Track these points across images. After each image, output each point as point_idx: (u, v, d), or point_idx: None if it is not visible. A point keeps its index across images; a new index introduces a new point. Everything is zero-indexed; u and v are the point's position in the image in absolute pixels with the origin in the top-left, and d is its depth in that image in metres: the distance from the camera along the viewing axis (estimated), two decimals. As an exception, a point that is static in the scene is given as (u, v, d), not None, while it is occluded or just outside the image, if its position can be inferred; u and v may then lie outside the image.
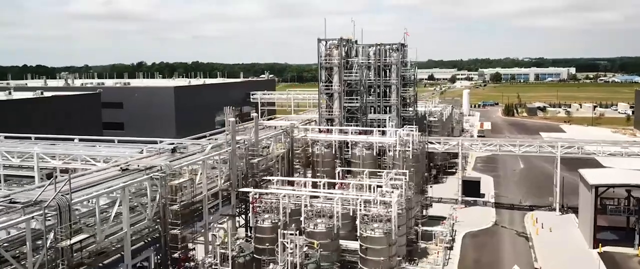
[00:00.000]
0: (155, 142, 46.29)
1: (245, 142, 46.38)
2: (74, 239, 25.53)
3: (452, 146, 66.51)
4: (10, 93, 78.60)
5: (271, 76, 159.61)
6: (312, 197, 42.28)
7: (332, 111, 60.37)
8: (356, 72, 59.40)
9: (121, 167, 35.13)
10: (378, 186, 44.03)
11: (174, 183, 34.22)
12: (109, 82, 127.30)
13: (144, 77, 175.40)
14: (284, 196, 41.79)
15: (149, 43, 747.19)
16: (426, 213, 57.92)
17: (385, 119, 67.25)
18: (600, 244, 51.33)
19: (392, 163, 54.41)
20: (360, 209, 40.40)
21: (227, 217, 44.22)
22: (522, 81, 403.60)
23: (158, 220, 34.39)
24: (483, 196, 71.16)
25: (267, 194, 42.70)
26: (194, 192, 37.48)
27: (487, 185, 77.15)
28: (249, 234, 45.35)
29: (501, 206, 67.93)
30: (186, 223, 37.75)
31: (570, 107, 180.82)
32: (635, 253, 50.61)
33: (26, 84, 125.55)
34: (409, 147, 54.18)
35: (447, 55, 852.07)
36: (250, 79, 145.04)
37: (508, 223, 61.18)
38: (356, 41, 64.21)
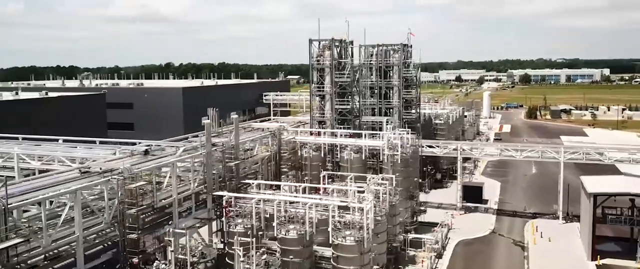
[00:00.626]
0: (134, 144, 45.86)
1: (223, 145, 45.42)
2: (3, 245, 24.99)
3: (451, 150, 64.22)
4: (16, 93, 79.92)
5: (297, 77, 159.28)
6: (288, 202, 41.02)
7: (324, 113, 59.04)
8: (348, 74, 57.87)
9: (80, 170, 34.66)
10: (358, 192, 42.51)
11: (131, 187, 33.46)
12: (123, 83, 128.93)
13: (172, 78, 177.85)
14: (258, 200, 40.73)
15: (180, 44, 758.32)
16: (417, 219, 56.01)
17: (383, 122, 65.46)
18: (598, 256, 48.52)
19: (380, 167, 52.75)
20: (332, 216, 38.95)
21: (201, 221, 43.43)
22: (552, 82, 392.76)
23: (116, 224, 33.75)
24: (486, 202, 68.65)
25: (240, 198, 41.69)
26: (157, 196, 36.68)
27: (493, 190, 74.51)
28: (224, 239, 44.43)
29: (503, 212, 65.31)
30: (152, 227, 37.22)
31: (597, 109, 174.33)
32: (636, 266, 47.62)
33: (44, 84, 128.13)
34: (397, 151, 52.43)
35: (477, 56, 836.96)
36: (263, 80, 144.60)
37: (507, 231, 58.65)
38: (352, 42, 62.78)
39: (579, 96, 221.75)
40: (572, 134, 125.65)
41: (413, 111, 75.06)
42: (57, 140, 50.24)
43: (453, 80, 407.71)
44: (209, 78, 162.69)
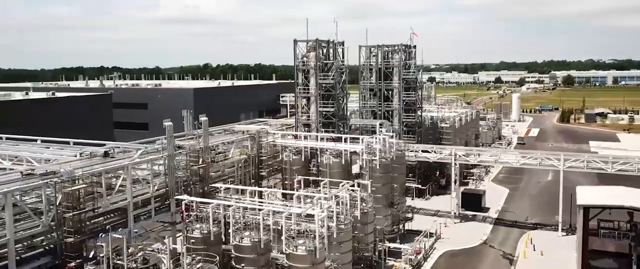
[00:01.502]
0: (103, 145, 45.65)
1: (188, 148, 44.62)
2: None
3: (446, 155, 61.32)
4: (27, 94, 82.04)
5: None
6: (246, 208, 39.73)
7: (309, 116, 57.47)
8: (333, 76, 56.07)
9: (22, 172, 34.48)
10: (325, 199, 40.79)
11: (67, 190, 32.94)
12: (143, 84, 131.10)
13: (207, 79, 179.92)
14: (216, 206, 39.64)
15: (223, 46, 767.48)
16: (401, 228, 53.64)
17: (376, 125, 63.22)
18: (589, 273, 44.96)
19: (360, 173, 50.77)
20: (287, 224, 37.37)
21: (164, 225, 42.74)
22: (598, 84, 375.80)
23: (54, 227, 33.37)
24: (486, 210, 65.34)
25: (199, 203, 40.70)
26: (108, 199, 36.13)
27: (498, 198, 70.88)
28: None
29: (502, 222, 61.82)
30: (102, 230, 36.64)
31: (638, 113, 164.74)
32: (630, 285, 43.82)
33: (69, 85, 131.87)
34: (376, 156, 50.30)
35: (521, 57, 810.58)
36: (281, 81, 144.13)
37: (499, 242, 55.36)
38: (343, 42, 60.83)
39: (621, 99, 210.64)
40: (603, 140, 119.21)
41: (414, 114, 72.40)
42: (35, 140, 50.75)
43: (492, 81, 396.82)
44: (245, 79, 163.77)
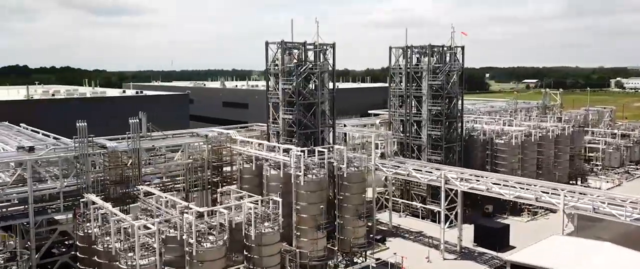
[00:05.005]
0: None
1: (109, 148, 46.04)
2: None
3: (436, 178, 51.38)
4: (124, 92, 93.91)
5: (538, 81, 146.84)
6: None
7: (278, 123, 54.07)
8: (291, 80, 51.65)
9: None
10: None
11: None
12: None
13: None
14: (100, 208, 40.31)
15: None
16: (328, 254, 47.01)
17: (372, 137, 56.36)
18: None
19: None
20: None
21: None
22: None
23: None
24: (509, 248, 52.68)
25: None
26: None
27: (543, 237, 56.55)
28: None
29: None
30: None
31: None
32: None
33: (204, 84, 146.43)
34: (311, 170, 44.99)
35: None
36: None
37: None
38: (333, 44, 55.69)
39: None
40: None
41: (440, 126, 62.30)
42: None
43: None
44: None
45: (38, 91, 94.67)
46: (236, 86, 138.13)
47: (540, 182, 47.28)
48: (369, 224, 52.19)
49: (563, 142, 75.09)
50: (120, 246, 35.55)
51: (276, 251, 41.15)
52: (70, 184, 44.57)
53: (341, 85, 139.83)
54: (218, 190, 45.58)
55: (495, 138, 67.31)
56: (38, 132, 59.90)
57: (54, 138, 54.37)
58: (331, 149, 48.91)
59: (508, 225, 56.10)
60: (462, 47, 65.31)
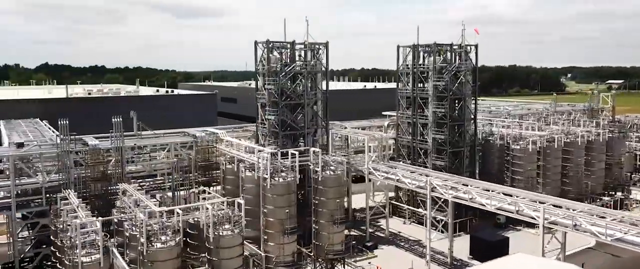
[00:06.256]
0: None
1: (89, 146, 47.48)
2: None
3: (423, 185, 48.37)
4: (157, 91, 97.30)
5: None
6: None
7: (265, 124, 53.41)
8: (273, 80, 50.64)
9: None
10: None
11: None
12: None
13: None
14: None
15: (517, 46, 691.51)
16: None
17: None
18: None
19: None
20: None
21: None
22: None
23: None
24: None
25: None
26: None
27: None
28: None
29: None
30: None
31: None
32: None
33: (249, 84, 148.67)
34: (279, 173, 43.91)
35: None
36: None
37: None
38: (327, 43, 54.32)
39: None
40: None
41: (443, 129, 58.80)
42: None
43: None
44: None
45: (93, 90, 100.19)
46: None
47: (530, 193, 43.02)
48: (363, 230, 50.26)
49: (597, 149, 68.40)
50: (68, 243, 36.37)
51: (236, 254, 40.40)
52: (53, 180, 46.44)
53: (369, 85, 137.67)
54: (191, 190, 45.74)
55: (512, 143, 62.51)
56: (52, 129, 63.03)
57: (71, 135, 56.82)
58: (307, 151, 47.51)
59: (507, 238, 51.89)
60: (476, 46, 61.33)
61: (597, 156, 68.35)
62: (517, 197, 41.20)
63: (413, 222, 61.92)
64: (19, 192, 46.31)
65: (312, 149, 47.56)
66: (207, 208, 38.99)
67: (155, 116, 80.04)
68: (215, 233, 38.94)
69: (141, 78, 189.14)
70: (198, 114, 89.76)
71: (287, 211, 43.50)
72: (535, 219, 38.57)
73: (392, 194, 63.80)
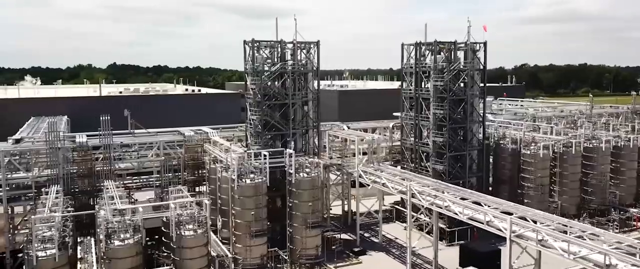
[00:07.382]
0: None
1: (77, 144, 49.14)
2: None
3: (405, 190, 45.98)
4: (187, 90, 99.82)
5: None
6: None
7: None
8: (254, 80, 50.01)
9: None
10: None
11: None
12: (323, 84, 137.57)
13: None
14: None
15: (599, 44, 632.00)
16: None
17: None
18: None
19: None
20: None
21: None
22: None
23: None
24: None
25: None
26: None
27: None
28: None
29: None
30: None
31: None
32: None
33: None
34: (248, 174, 43.37)
35: None
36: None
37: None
38: (318, 42, 53.26)
39: None
40: None
41: (443, 131, 55.74)
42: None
43: None
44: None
45: (130, 89, 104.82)
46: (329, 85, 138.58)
47: (506, 203, 39.62)
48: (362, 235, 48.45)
49: (627, 155, 62.35)
50: (24, 238, 37.69)
51: (199, 254, 40.31)
52: (43, 176, 48.48)
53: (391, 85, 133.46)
54: (172, 188, 46.09)
55: (523, 148, 58.26)
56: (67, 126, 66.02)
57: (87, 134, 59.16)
58: (283, 153, 46.59)
59: (499, 250, 48.03)
60: (484, 44, 57.70)
61: (627, 163, 62.37)
62: (488, 207, 38.08)
63: (416, 227, 59.22)
64: (14, 186, 48.81)
65: (288, 150, 46.55)
66: (172, 207, 39.24)
67: (182, 114, 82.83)
68: (177, 233, 39.09)
69: (197, 77, 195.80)
70: (222, 113, 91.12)
71: (253, 213, 42.83)
72: (502, 230, 35.48)
73: (397, 198, 61.44)
